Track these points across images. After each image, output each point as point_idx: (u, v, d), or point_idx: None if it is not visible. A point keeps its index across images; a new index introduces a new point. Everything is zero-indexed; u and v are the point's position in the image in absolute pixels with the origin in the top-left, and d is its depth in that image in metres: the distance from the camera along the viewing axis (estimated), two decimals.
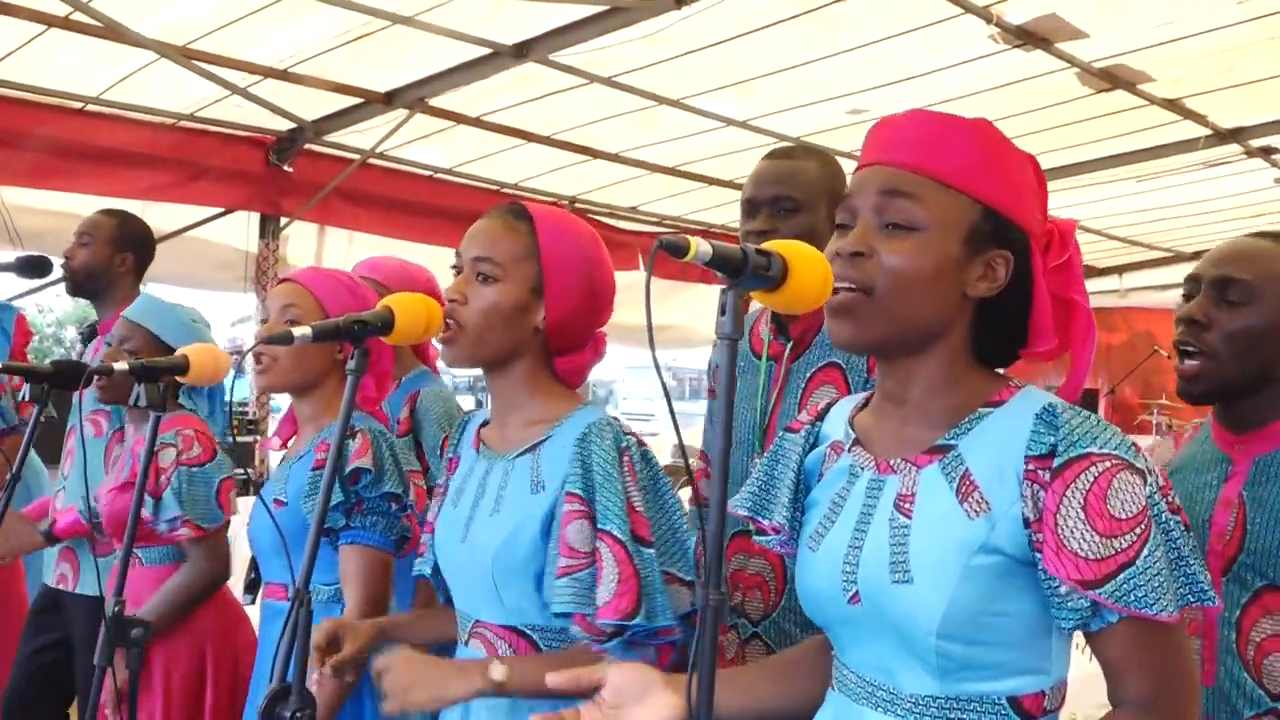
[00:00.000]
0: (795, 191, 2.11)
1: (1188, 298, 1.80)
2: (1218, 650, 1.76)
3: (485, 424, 1.81)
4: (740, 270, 1.07)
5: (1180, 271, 9.27)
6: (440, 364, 3.00)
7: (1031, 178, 1.33)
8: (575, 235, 1.72)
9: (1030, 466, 1.21)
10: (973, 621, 1.21)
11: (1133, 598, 1.17)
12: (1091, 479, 1.18)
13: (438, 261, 2.81)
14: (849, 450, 1.39)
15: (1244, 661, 1.74)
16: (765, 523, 1.47)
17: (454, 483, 1.80)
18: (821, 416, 1.48)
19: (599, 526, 1.59)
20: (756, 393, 2.16)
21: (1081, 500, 1.18)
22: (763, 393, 2.14)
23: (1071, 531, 1.18)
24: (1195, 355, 1.76)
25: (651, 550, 1.58)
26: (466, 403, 3.29)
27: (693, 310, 8.13)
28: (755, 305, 2.34)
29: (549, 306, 1.68)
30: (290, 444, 2.27)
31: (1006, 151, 1.31)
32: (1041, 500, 1.20)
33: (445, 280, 1.72)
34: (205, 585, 2.56)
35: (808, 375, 2.10)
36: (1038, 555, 1.21)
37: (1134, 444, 1.22)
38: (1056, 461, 1.20)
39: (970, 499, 1.24)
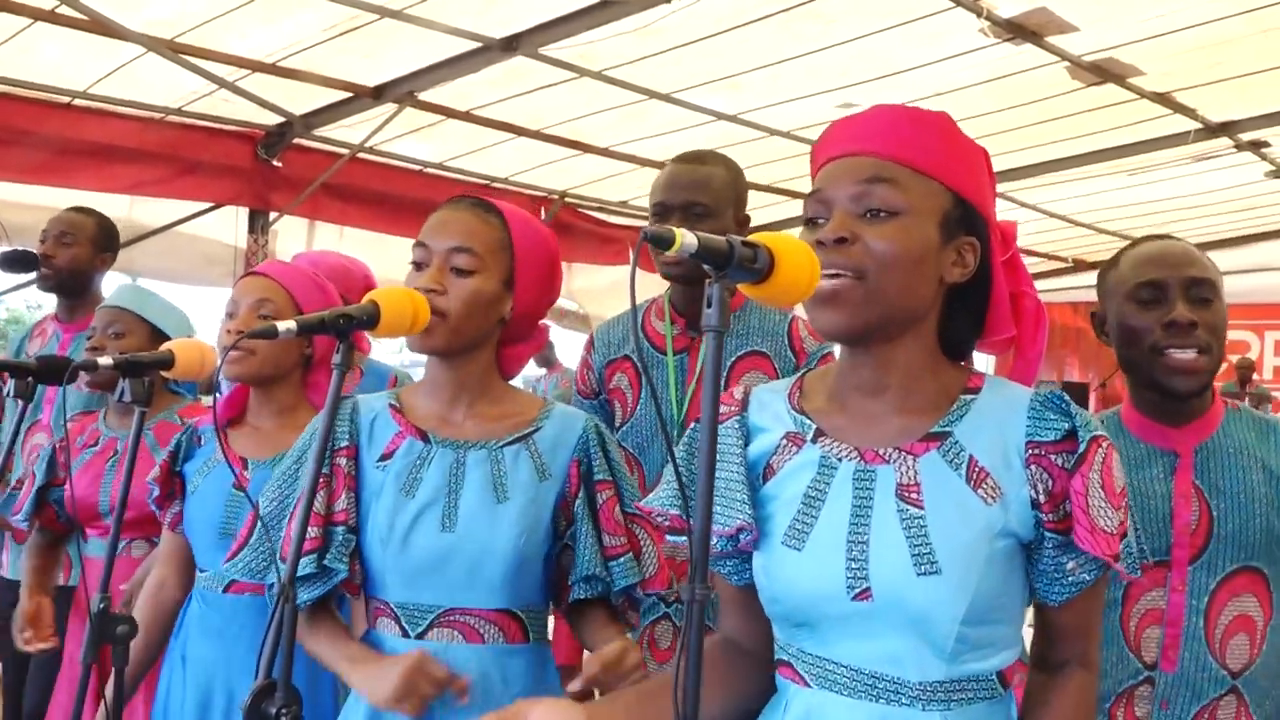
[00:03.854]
0: (705, 198, 2.21)
1: (1145, 304, 1.87)
2: (1184, 637, 1.83)
3: (395, 409, 1.77)
4: (726, 262, 1.07)
5: None
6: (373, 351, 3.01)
7: (986, 169, 1.38)
8: (540, 231, 1.78)
9: (1036, 451, 1.27)
10: (990, 604, 1.26)
11: (1130, 562, 1.27)
12: (1102, 459, 1.26)
13: None
14: (812, 441, 1.36)
15: (1210, 645, 1.82)
16: (719, 528, 1.37)
17: (393, 472, 1.72)
18: (744, 407, 1.43)
19: (628, 510, 1.78)
20: (668, 386, 2.19)
21: (1100, 480, 1.25)
22: (676, 386, 2.18)
23: (1099, 510, 1.25)
24: (1193, 352, 1.82)
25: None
26: None
27: None
28: (655, 290, 2.39)
29: (517, 298, 1.74)
30: (235, 430, 2.25)
31: (967, 142, 1.36)
32: (1050, 483, 1.26)
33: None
34: None
35: (728, 363, 2.14)
36: (1047, 535, 1.27)
37: None
38: (1081, 446, 1.26)
39: (984, 485, 1.27)
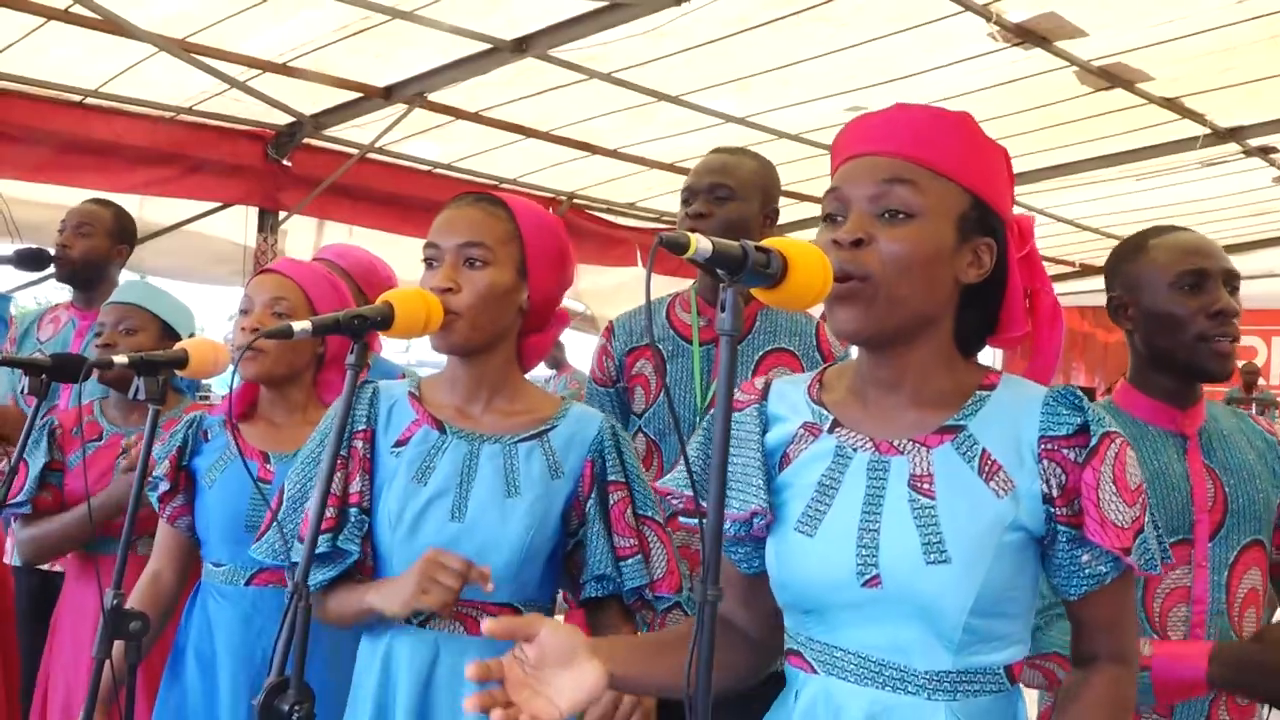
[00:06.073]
0: (730, 181, 2.25)
1: (1189, 292, 1.89)
2: (1208, 614, 1.85)
3: (414, 397, 1.80)
4: (740, 267, 1.08)
5: None
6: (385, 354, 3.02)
7: (1005, 169, 1.39)
8: (547, 218, 1.81)
9: (1049, 446, 1.29)
10: (998, 597, 1.28)
11: (1145, 558, 1.29)
12: (1114, 454, 1.28)
13: None
14: (829, 432, 1.38)
15: (1231, 620, 1.85)
16: (734, 512, 1.40)
17: (406, 459, 1.75)
18: (764, 396, 1.46)
19: (640, 512, 1.80)
20: (691, 376, 2.22)
21: (1112, 474, 1.28)
22: (701, 376, 2.20)
23: (1109, 503, 1.27)
24: (1229, 340, 1.89)
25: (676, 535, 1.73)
26: None
27: None
28: (665, 291, 2.43)
29: (532, 286, 1.76)
30: (247, 425, 2.25)
31: (986, 143, 1.37)
32: (1063, 477, 1.28)
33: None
34: None
35: (755, 358, 2.17)
36: (1060, 529, 1.29)
37: None
38: (1093, 440, 1.28)
39: (996, 478, 1.29)
